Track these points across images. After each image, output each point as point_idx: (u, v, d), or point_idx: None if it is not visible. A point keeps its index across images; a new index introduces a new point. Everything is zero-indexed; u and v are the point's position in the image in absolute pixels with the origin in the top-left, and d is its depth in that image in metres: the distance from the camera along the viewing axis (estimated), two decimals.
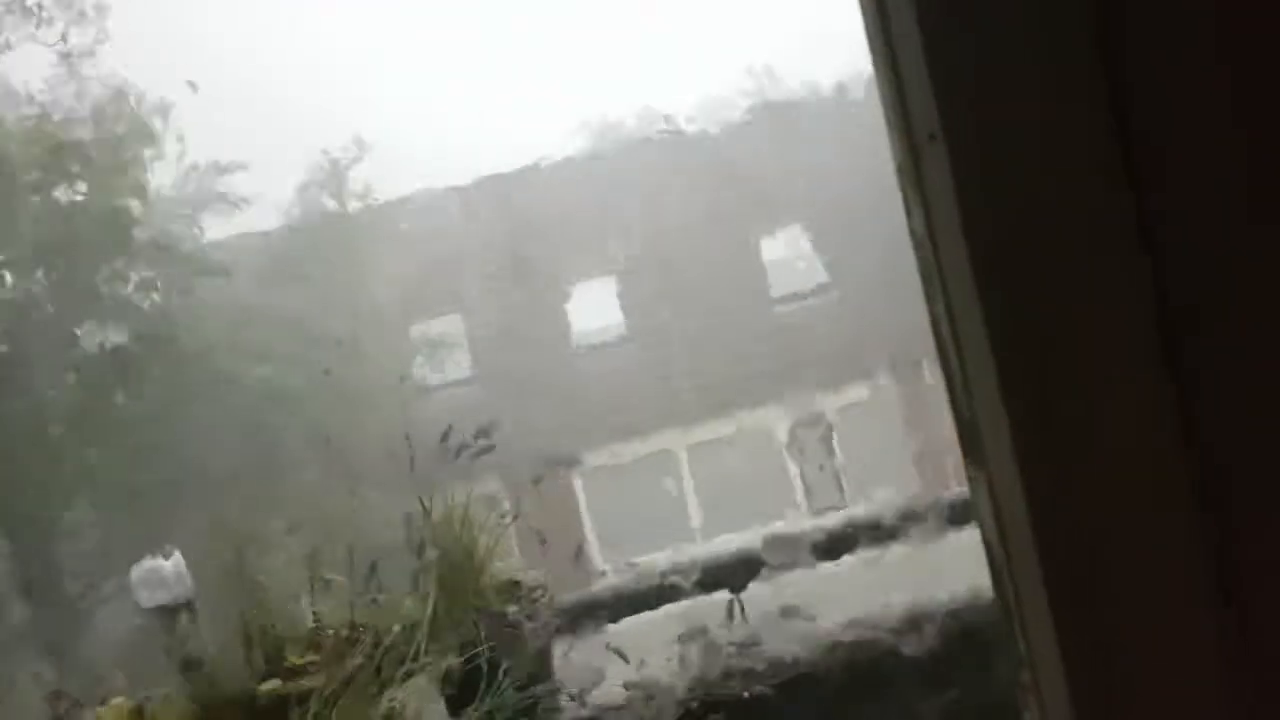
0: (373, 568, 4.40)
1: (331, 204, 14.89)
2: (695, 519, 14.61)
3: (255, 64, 13.23)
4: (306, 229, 14.65)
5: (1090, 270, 1.07)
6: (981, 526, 1.21)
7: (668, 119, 16.75)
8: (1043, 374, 1.08)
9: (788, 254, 15.97)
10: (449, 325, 15.33)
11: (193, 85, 12.91)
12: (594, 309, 15.90)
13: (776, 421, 14.87)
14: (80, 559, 12.94)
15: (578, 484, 14.55)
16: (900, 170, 1.19)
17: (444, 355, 14.93)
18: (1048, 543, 1.09)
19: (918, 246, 1.20)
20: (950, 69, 1.08)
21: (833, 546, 6.75)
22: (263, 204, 14.33)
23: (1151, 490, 1.08)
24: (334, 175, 14.84)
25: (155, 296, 13.27)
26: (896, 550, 6.46)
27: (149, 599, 4.50)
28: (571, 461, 7.78)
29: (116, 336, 12.88)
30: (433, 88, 14.67)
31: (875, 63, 1.20)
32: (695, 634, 4.63)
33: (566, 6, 14.85)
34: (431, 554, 4.88)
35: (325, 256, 14.37)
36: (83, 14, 13.22)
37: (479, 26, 14.54)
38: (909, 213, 1.20)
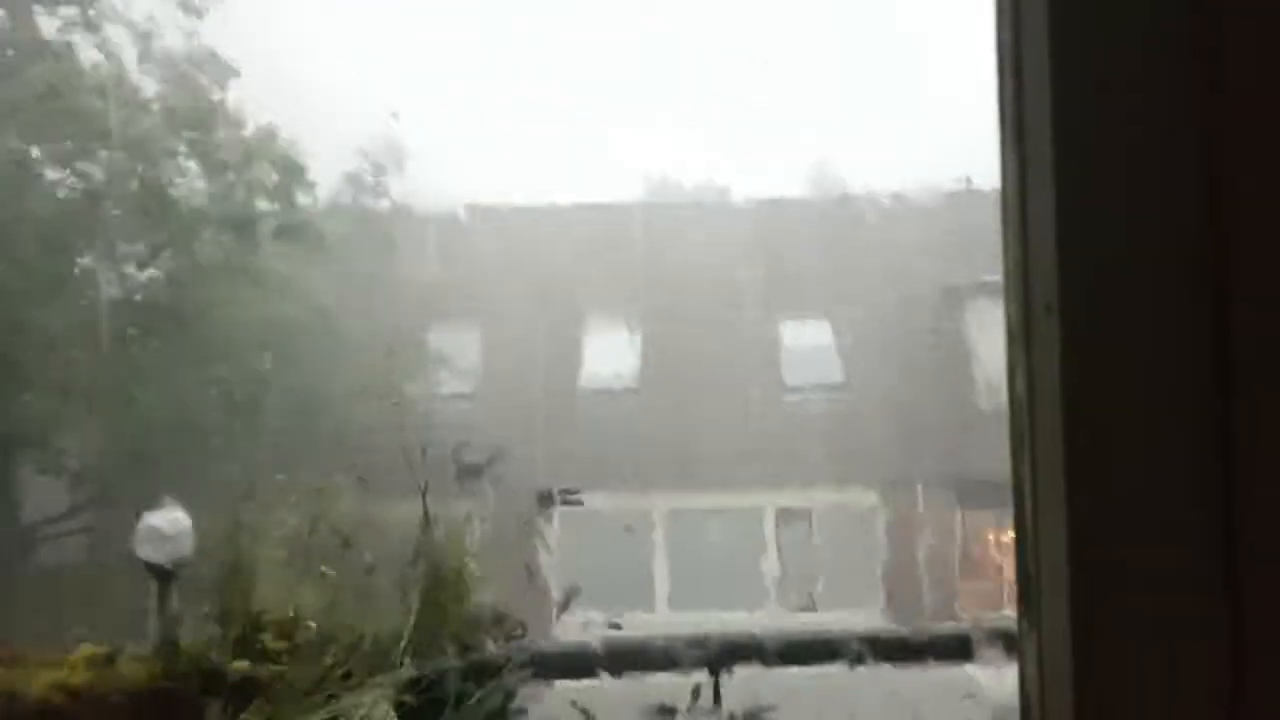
0: (368, 570, 4.39)
1: (365, 203, 14.93)
2: (661, 586, 14.54)
3: (307, 56, 13.29)
4: (338, 219, 14.67)
5: (1174, 469, 1.12)
6: (1022, 683, 1.26)
7: (721, 189, 16.88)
8: (1114, 555, 1.13)
9: (808, 345, 15.99)
10: (465, 340, 15.34)
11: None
12: (609, 355, 15.91)
13: (762, 506, 14.83)
14: (51, 492, 12.87)
15: (553, 525, 14.44)
16: (1010, 334, 1.25)
17: (451, 369, 14.92)
18: (1089, 712, 1.13)
19: (1014, 407, 1.24)
20: (1078, 247, 1.13)
21: (807, 654, 6.74)
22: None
23: (1201, 676, 1.12)
24: (372, 175, 14.89)
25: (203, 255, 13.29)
26: (871, 671, 6.44)
27: (147, 553, 4.48)
28: (573, 501, 7.74)
29: (153, 283, 12.93)
30: (502, 113, 14.77)
31: (1004, 227, 1.26)
32: (665, 711, 4.59)
33: (650, 62, 15.02)
34: (420, 569, 4.86)
35: (352, 251, 14.38)
36: None
37: (557, 67, 14.70)
38: (1012, 375, 1.25)
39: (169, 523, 4.58)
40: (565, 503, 7.60)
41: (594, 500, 14.36)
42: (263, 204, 13.66)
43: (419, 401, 13.88)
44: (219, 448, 12.00)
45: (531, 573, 5.24)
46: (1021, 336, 1.22)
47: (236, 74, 13.63)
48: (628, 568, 14.26)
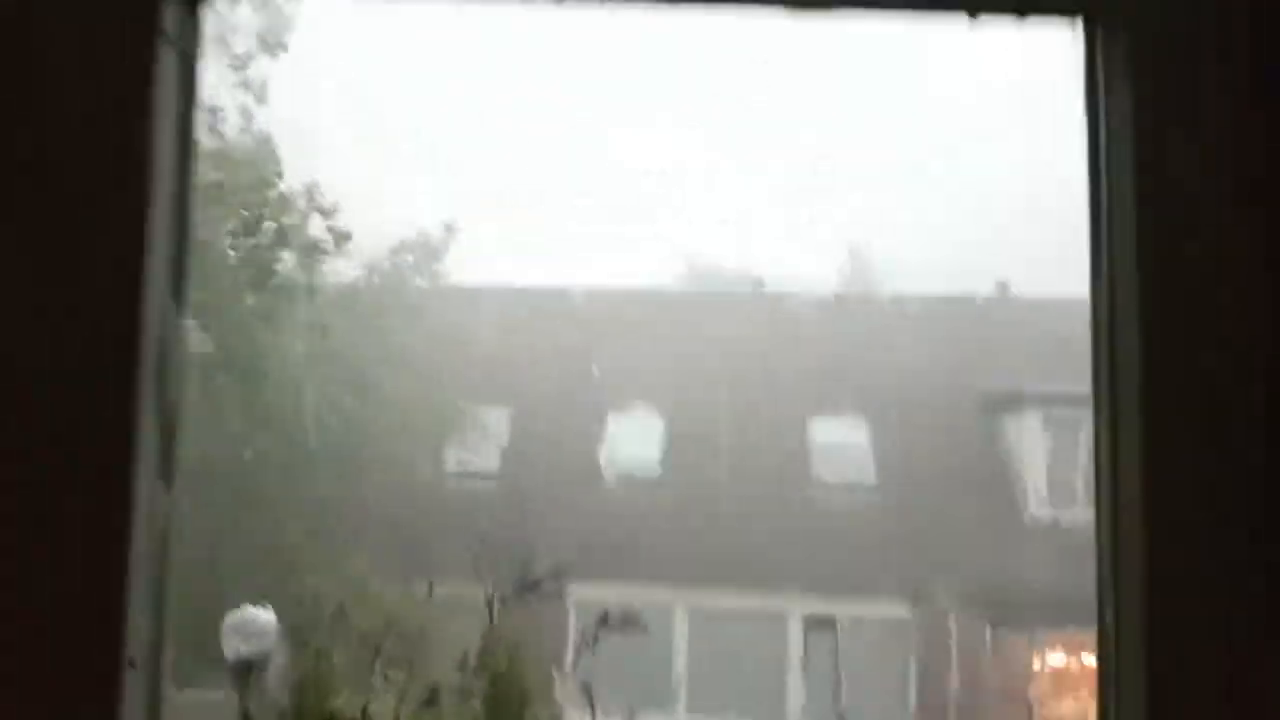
0: (433, 694, 4.22)
1: (403, 277, 14.83)
2: (680, 686, 14.16)
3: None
4: (379, 291, 14.58)
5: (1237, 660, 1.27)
6: None
7: (756, 280, 16.79)
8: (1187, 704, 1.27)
9: (841, 442, 15.74)
10: (493, 419, 15.17)
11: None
12: (633, 442, 15.71)
13: (787, 610, 14.49)
14: None
15: (569, 616, 14.12)
16: (1098, 528, 1.37)
17: (483, 442, 14.75)
18: None
19: (1101, 594, 1.35)
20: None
21: None
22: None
23: None
24: (419, 250, 14.81)
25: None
26: None
27: (235, 648, 4.38)
28: (635, 625, 7.53)
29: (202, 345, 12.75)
30: (540, 190, 14.79)
31: (1096, 457, 1.39)
32: None
33: (691, 149, 15.06)
34: (483, 678, 4.67)
35: (387, 325, 14.26)
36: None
37: (602, 150, 14.75)
38: (1100, 562, 1.36)
39: (255, 620, 4.49)
40: (622, 629, 7.43)
41: (612, 592, 14.08)
42: (290, 269, 13.55)
43: (446, 479, 13.72)
44: (258, 516, 11.78)
45: (591, 699, 5.07)
46: (1110, 539, 1.33)
47: (277, 150, 13.54)
48: (647, 664, 13.93)
